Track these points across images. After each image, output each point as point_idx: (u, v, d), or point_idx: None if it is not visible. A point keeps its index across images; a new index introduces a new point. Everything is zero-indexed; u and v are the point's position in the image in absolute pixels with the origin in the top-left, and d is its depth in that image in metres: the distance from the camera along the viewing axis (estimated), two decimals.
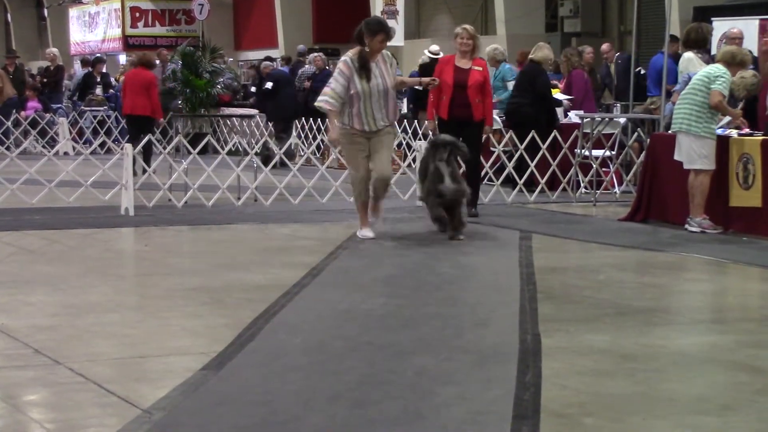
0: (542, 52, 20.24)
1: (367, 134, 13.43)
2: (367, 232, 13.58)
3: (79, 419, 6.45)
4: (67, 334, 8.50)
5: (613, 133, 19.78)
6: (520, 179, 18.92)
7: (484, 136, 16.80)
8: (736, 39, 16.54)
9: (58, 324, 8.85)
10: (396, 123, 14.94)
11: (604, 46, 22.74)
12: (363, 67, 12.92)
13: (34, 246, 13.61)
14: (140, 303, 10.24)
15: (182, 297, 10.26)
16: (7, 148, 25.18)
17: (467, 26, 16.61)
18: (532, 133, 18.59)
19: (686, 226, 14.55)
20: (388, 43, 14.55)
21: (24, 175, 18.67)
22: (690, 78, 15.32)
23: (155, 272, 12.27)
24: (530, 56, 20.57)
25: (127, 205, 16.83)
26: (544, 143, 18.85)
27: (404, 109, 28.13)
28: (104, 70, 30.52)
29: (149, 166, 18.80)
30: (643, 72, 22.55)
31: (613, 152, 19.49)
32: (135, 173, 19.06)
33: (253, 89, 33.06)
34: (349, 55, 13.41)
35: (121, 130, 25.88)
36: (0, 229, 14.78)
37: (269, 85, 27.90)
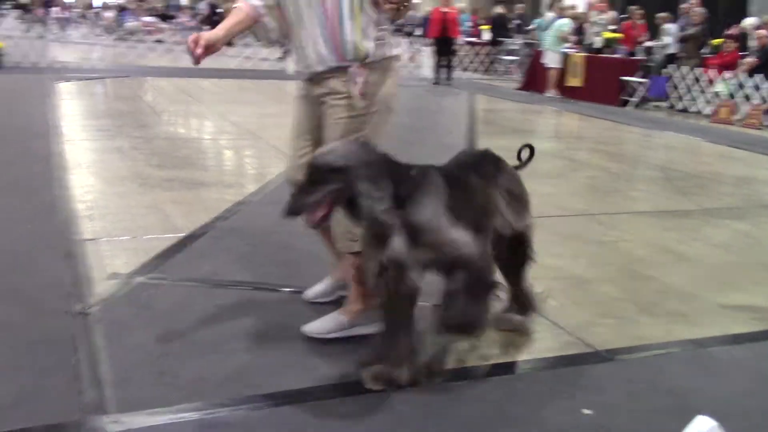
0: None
1: (310, 86, 2.88)
2: None
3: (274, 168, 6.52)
4: (261, 124, 8.50)
5: (517, 49, 19.39)
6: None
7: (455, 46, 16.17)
8: (576, 8, 15.99)
9: (257, 120, 8.85)
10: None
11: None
12: None
13: (270, 90, 13.49)
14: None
15: None
16: None
17: None
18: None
19: (545, 93, 14.30)
20: None
21: None
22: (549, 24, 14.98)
23: None
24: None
25: None
26: None
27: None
28: None
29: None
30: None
31: (517, 58, 19.08)
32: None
33: None
34: None
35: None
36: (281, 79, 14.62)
37: None
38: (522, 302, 3.09)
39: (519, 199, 2.91)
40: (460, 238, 2.48)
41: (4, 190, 5.05)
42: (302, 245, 4.12)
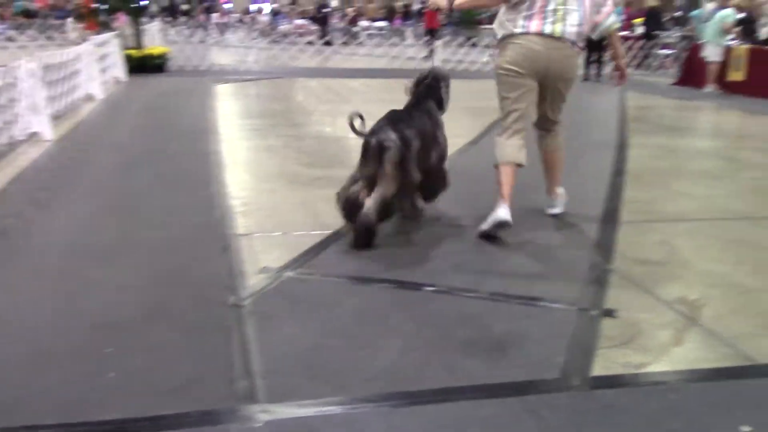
0: None
1: None
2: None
3: None
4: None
5: (673, 42, 18.48)
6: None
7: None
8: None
9: None
10: None
11: None
12: None
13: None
14: None
15: None
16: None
17: None
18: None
19: (704, 88, 13.54)
20: None
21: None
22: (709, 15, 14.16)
23: None
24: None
25: None
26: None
27: None
28: None
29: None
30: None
31: (672, 51, 18.19)
32: None
33: None
34: None
35: None
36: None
37: None
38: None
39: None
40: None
41: (172, 184, 5.40)
42: (444, 247, 4.11)
